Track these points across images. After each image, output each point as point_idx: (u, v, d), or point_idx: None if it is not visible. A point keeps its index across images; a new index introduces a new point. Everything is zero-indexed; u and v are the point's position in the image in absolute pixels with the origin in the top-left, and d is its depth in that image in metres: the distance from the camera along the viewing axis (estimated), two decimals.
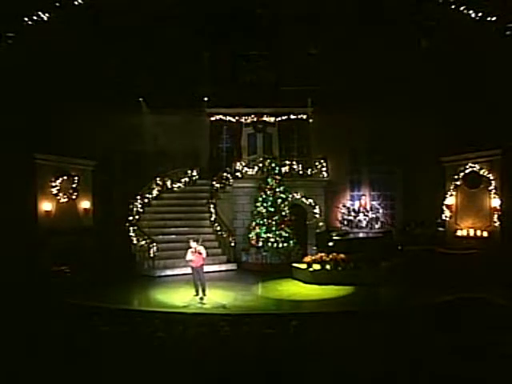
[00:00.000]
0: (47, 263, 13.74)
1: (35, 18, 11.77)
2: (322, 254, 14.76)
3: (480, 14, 12.13)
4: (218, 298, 12.25)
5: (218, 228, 17.90)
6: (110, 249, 15.95)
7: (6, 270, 12.11)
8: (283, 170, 18.77)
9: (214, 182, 19.02)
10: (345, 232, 18.32)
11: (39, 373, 6.81)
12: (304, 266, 14.72)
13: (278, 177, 18.01)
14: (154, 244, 15.96)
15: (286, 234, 17.30)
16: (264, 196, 17.65)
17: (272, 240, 17.10)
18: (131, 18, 14.39)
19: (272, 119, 20.79)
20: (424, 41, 14.81)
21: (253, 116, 20.74)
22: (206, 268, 12.95)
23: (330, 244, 15.42)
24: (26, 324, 8.82)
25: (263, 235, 17.22)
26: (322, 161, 19.41)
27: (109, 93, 16.90)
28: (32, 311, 9.69)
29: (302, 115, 20.68)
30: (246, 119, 20.80)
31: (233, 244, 17.62)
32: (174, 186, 19.64)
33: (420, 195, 19.98)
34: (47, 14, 11.86)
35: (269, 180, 17.83)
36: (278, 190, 17.76)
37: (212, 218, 18.21)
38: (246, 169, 19.37)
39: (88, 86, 16.14)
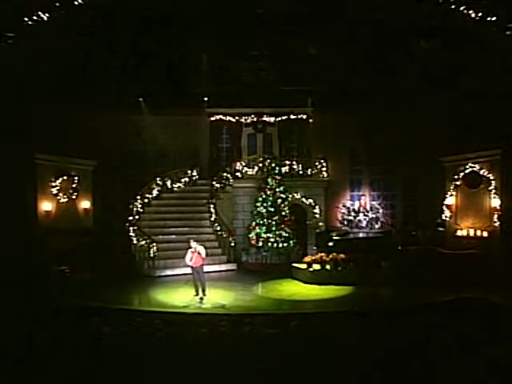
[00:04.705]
0: (47, 263, 13.73)
1: (35, 18, 11.76)
2: (322, 254, 14.77)
3: (480, 14, 12.12)
4: (218, 298, 12.26)
5: (218, 228, 17.91)
6: (110, 249, 15.94)
7: (6, 270, 12.10)
8: (283, 170, 18.77)
9: (214, 182, 19.03)
10: (345, 232, 18.33)
11: (39, 373, 6.81)
12: (304, 265, 14.72)
13: (278, 177, 18.01)
14: (154, 244, 15.96)
15: (286, 234, 17.31)
16: (264, 196, 17.66)
17: (272, 240, 17.11)
18: (131, 17, 14.37)
19: (272, 119, 20.81)
20: (423, 41, 14.80)
21: (253, 116, 20.76)
22: (206, 268, 12.96)
23: (330, 244, 15.44)
24: (25, 324, 8.82)
25: (263, 235, 17.23)
26: (322, 161, 19.43)
27: (109, 93, 16.88)
28: (32, 311, 9.68)
29: (301, 115, 20.70)
30: (246, 119, 20.82)
31: (233, 244, 17.63)
32: (173, 186, 19.65)
33: (420, 195, 20.02)
34: (47, 14, 11.84)
35: (269, 180, 17.83)
36: (277, 189, 17.76)
37: (212, 218, 18.22)
38: (246, 169, 19.38)
39: (88, 86, 16.12)
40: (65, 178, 16.14)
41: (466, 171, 16.58)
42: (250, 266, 17.07)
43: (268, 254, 17.07)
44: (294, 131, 21.02)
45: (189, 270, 12.68)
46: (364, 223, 20.07)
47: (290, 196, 18.35)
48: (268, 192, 17.67)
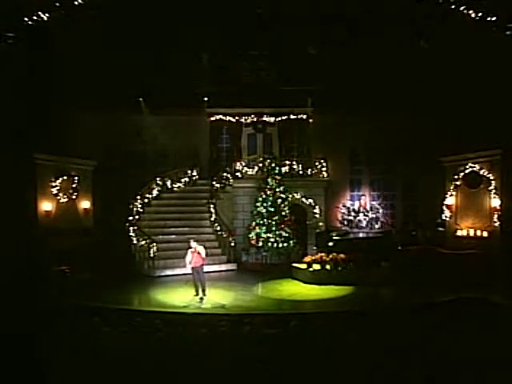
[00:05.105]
0: (47, 263, 13.73)
1: (35, 17, 11.76)
2: (322, 254, 14.77)
3: (480, 14, 12.12)
4: (218, 298, 12.25)
5: (218, 228, 17.90)
6: (110, 249, 15.94)
7: (5, 270, 12.09)
8: (283, 170, 18.76)
9: (214, 182, 19.02)
10: (345, 232, 18.33)
11: (39, 373, 6.81)
12: (304, 265, 14.72)
13: (278, 177, 18.01)
14: (154, 244, 15.96)
15: (286, 234, 17.30)
16: (264, 196, 17.66)
17: (272, 240, 17.11)
18: (131, 17, 14.38)
19: (272, 119, 20.81)
20: (423, 41, 14.80)
21: (253, 116, 20.75)
22: (206, 268, 12.96)
23: (330, 244, 15.43)
24: (25, 324, 8.82)
25: (263, 235, 17.23)
26: (321, 161, 19.43)
27: (109, 93, 16.88)
28: (32, 311, 9.68)
29: (301, 115, 20.70)
30: (246, 119, 20.82)
31: (233, 244, 17.62)
32: (173, 186, 19.65)
33: (420, 195, 20.02)
34: (47, 14, 11.84)
35: (269, 180, 17.83)
36: (277, 189, 17.76)
37: (212, 218, 18.21)
38: (245, 169, 19.38)
39: (88, 86, 16.12)
40: (65, 178, 16.14)
41: (466, 171, 16.59)
42: (250, 266, 17.07)
43: (268, 254, 17.07)
44: (294, 131, 21.01)
45: (189, 270, 12.67)
46: (364, 223, 20.06)
47: (290, 196, 18.34)
48: (268, 192, 17.67)
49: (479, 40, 13.36)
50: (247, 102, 20.02)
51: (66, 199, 16.18)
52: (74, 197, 16.47)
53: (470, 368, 6.84)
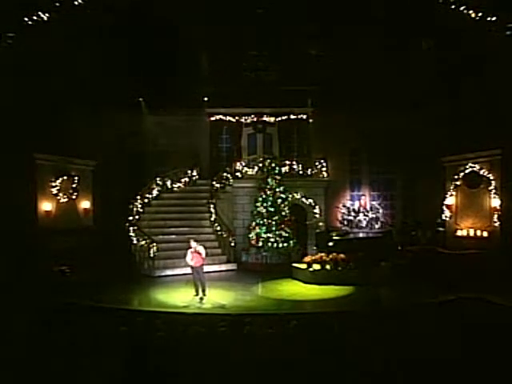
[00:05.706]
0: (47, 263, 13.73)
1: (35, 17, 11.77)
2: (322, 254, 14.77)
3: (480, 14, 12.13)
4: (217, 298, 12.26)
5: (218, 228, 17.90)
6: (110, 249, 15.93)
7: (6, 270, 12.10)
8: (283, 170, 18.76)
9: (214, 182, 19.02)
10: (345, 232, 18.32)
11: (39, 373, 6.81)
12: (304, 265, 14.72)
13: (277, 177, 18.00)
14: (154, 244, 15.95)
15: (286, 234, 17.30)
16: (264, 196, 17.65)
17: (272, 240, 17.10)
18: (131, 17, 14.38)
19: (272, 119, 20.82)
20: (424, 42, 14.81)
21: (253, 116, 20.77)
22: (206, 268, 12.96)
23: (330, 244, 15.43)
24: (25, 324, 8.82)
25: (263, 235, 17.22)
26: (321, 161, 19.42)
27: (109, 93, 16.88)
28: (32, 311, 9.68)
29: (302, 115, 20.72)
30: (246, 119, 20.83)
31: (233, 244, 17.62)
32: (173, 186, 19.65)
33: (420, 195, 20.01)
34: (47, 14, 11.86)
35: (269, 180, 17.82)
36: (277, 189, 17.75)
37: (212, 218, 18.21)
38: (245, 169, 19.37)
39: (88, 86, 16.12)
40: (65, 177, 16.15)
41: (466, 171, 16.59)
42: (250, 266, 17.06)
43: (268, 254, 17.05)
44: (294, 131, 21.05)
45: (189, 270, 12.68)
46: (364, 223, 20.05)
47: (290, 196, 18.34)
48: (268, 192, 17.65)
49: (479, 39, 13.38)
50: (247, 102, 20.02)
51: (66, 199, 16.18)
52: (74, 197, 16.49)
53: (470, 368, 6.84)
